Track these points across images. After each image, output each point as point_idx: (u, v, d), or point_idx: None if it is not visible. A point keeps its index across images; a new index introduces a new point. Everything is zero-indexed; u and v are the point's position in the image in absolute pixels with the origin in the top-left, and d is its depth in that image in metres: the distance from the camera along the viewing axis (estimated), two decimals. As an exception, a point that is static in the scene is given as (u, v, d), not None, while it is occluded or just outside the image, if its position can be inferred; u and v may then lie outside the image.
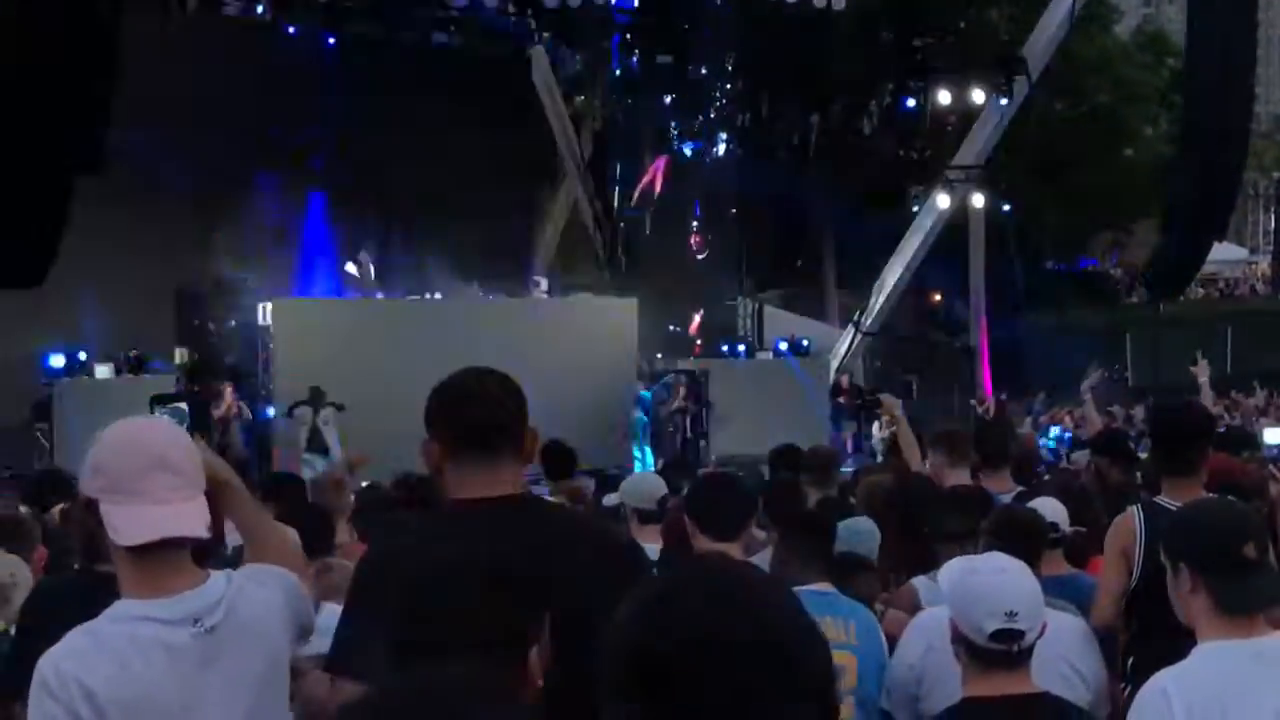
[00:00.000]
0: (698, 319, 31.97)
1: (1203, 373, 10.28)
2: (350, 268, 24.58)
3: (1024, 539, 4.88)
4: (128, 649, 2.93)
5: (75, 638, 2.96)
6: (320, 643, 3.34)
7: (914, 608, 5.22)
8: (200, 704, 2.97)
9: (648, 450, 23.38)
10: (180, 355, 23.26)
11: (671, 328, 30.94)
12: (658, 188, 33.93)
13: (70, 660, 2.90)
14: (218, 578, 3.09)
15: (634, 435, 23.44)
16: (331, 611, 3.55)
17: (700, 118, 34.37)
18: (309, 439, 19.87)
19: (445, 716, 1.54)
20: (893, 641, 4.95)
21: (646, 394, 24.18)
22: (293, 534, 3.78)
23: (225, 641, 3.01)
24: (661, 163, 34.17)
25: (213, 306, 23.85)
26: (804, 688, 1.65)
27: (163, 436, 3.05)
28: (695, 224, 35.22)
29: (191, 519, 2.97)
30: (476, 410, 3.21)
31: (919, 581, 5.49)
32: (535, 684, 2.53)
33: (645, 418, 23.77)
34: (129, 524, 2.93)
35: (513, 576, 2.70)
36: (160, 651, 2.95)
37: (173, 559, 3.00)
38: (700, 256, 34.56)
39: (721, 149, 35.18)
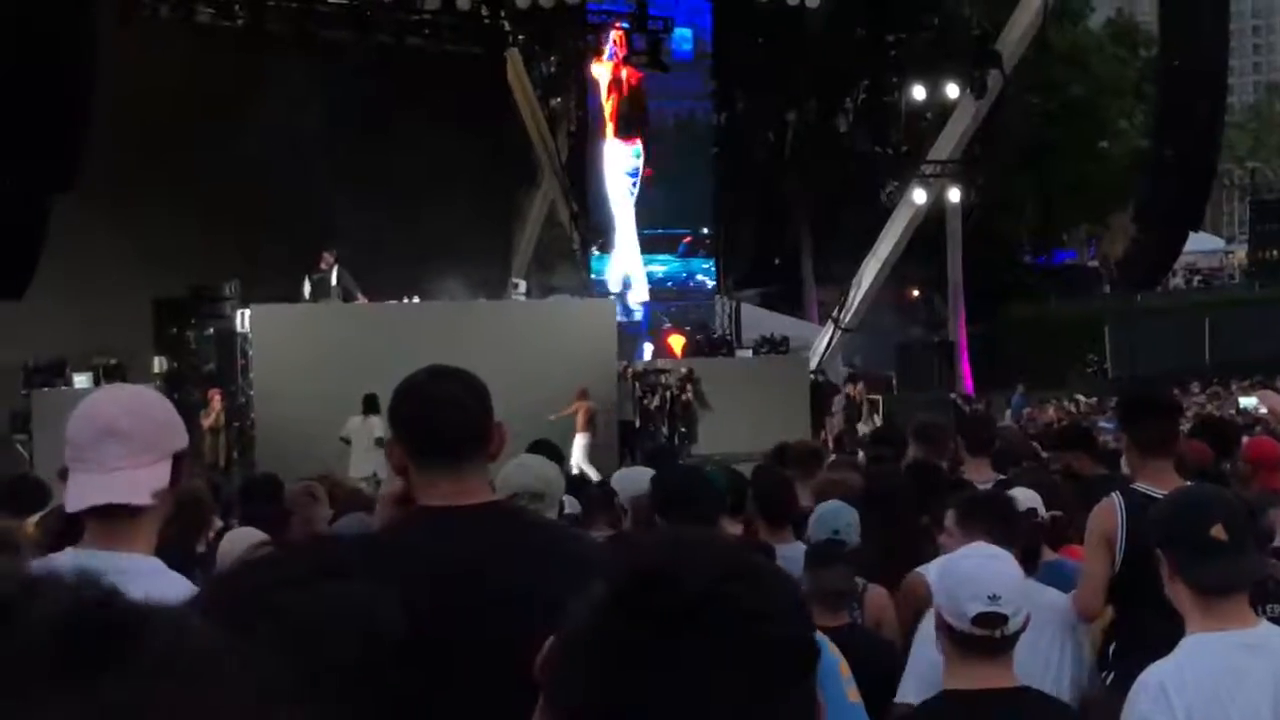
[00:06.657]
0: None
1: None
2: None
3: (997, 520, 4.69)
4: None
5: None
6: None
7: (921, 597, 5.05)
8: None
9: None
10: (159, 364, 23.11)
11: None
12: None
13: None
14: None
15: None
16: None
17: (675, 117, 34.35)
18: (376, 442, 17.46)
19: None
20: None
21: None
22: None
23: None
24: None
25: (191, 315, 23.63)
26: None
27: (115, 406, 2.96)
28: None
29: (133, 486, 2.89)
30: (442, 418, 3.13)
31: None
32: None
33: None
34: (74, 491, 2.90)
35: (485, 583, 2.77)
36: None
37: (123, 529, 2.93)
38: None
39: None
